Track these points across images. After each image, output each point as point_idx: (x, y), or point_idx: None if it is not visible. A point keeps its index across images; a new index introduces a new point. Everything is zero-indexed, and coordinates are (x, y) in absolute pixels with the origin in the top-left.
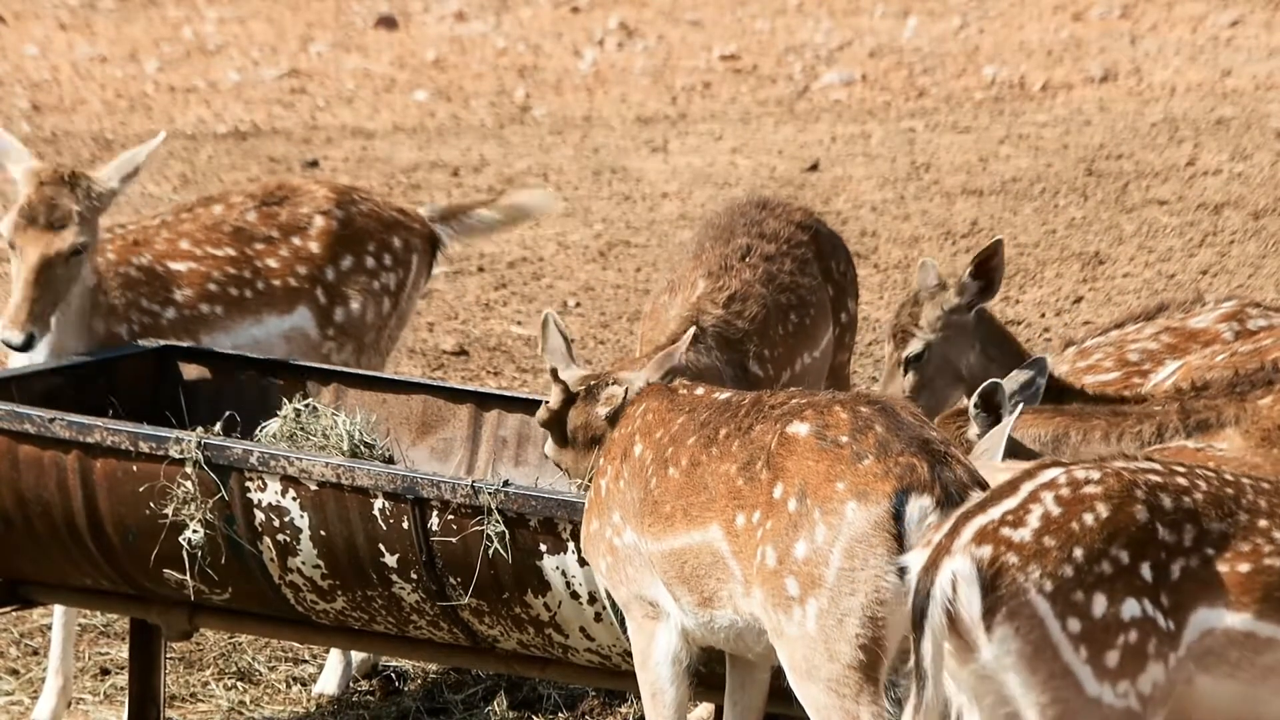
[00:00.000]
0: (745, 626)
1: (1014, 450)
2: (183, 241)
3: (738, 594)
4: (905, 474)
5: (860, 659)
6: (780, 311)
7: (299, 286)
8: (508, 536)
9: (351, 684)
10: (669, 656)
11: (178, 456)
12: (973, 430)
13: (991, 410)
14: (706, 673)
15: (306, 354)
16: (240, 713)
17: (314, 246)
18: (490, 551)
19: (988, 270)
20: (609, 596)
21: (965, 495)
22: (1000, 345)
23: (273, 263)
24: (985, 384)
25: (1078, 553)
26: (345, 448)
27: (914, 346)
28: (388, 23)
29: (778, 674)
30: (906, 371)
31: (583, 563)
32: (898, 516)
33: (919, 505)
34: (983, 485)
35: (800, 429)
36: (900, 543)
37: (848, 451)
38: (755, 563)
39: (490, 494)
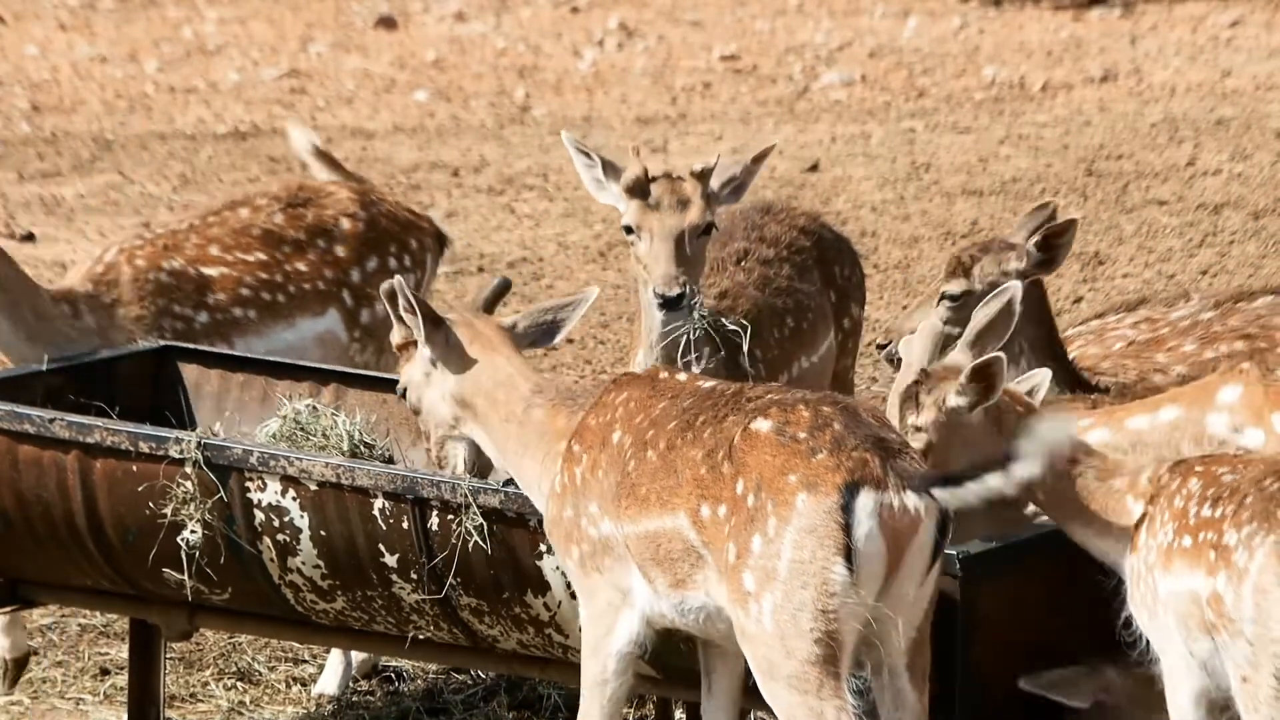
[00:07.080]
0: (716, 610)
1: None
2: (213, 246)
3: (711, 579)
4: (857, 467)
5: (817, 653)
6: (775, 315)
7: (329, 289)
8: (486, 529)
9: (351, 684)
10: (623, 647)
11: (177, 456)
12: (954, 399)
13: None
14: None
15: (337, 356)
16: (240, 713)
17: (341, 249)
18: (470, 545)
19: (1054, 245)
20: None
21: (918, 493)
22: (1037, 324)
23: (302, 266)
24: (984, 359)
25: None
26: (345, 448)
27: (955, 286)
28: (388, 23)
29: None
30: (940, 302)
31: None
32: (846, 509)
33: (869, 499)
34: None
35: (763, 425)
36: (849, 535)
37: (804, 446)
38: (722, 558)
39: (468, 489)
